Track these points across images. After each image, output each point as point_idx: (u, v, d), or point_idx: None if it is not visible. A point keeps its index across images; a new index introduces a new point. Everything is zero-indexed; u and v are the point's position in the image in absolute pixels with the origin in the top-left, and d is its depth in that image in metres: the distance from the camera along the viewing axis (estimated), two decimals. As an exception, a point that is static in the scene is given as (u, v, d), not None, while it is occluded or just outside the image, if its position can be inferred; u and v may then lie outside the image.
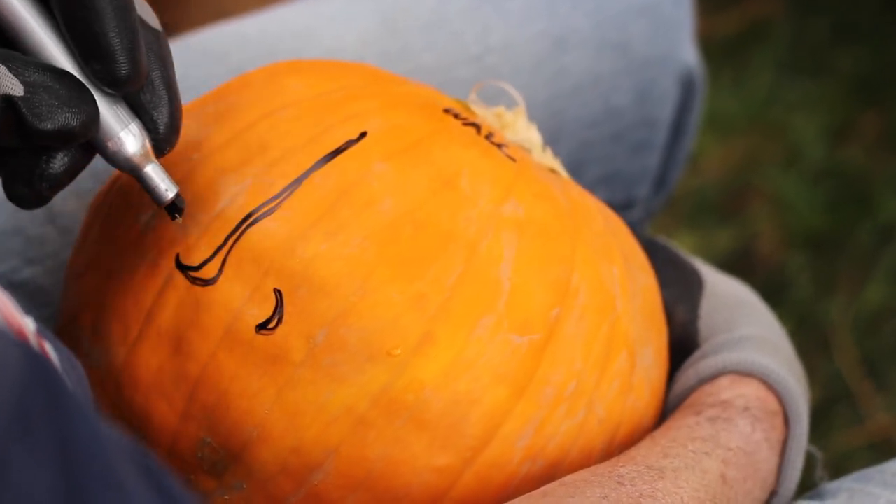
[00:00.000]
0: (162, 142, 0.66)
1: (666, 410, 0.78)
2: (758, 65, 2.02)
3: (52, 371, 0.45)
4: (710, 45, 2.02)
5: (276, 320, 0.68)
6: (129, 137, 0.65)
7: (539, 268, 0.71)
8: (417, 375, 0.67)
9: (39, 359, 0.45)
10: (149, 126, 0.65)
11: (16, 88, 0.61)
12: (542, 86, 1.01)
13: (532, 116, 0.88)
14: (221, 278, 0.69)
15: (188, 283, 0.69)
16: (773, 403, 0.75)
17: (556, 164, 0.79)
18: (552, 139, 1.00)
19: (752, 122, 1.95)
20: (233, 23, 1.01)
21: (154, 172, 0.66)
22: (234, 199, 0.70)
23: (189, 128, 0.74)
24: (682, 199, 1.86)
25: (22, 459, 0.42)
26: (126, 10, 0.63)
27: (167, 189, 0.67)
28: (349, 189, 0.69)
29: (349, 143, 0.71)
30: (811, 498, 0.76)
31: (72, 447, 0.44)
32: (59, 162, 0.63)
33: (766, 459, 0.73)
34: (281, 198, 0.69)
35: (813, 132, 1.92)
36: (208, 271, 0.69)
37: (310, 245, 0.68)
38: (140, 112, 0.65)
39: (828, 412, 1.61)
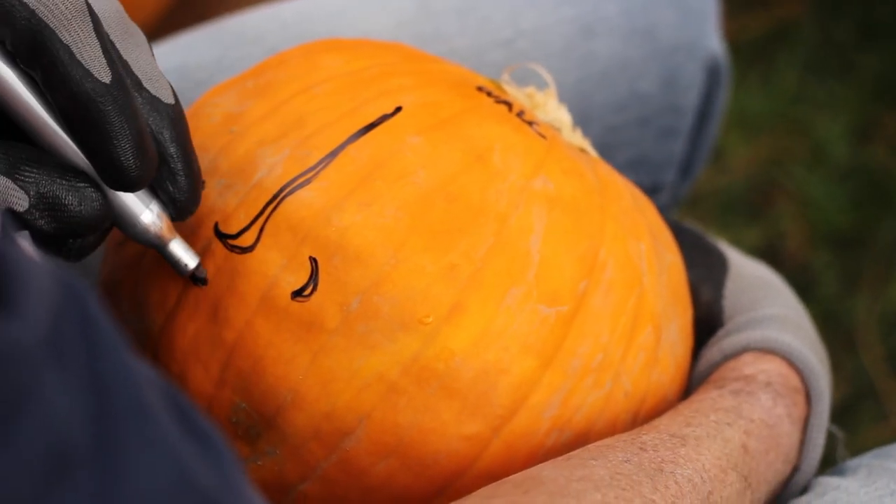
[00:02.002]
0: (181, 213, 0.68)
1: (690, 387, 0.79)
2: (784, 65, 2.02)
3: (87, 300, 0.46)
4: (738, 46, 2.03)
5: (311, 288, 0.69)
6: (149, 219, 0.67)
7: (568, 241, 0.72)
8: (448, 344, 0.69)
9: (74, 288, 0.46)
10: (168, 200, 0.67)
11: (21, 202, 0.62)
12: (571, 70, 1.02)
13: (561, 100, 0.90)
14: (259, 246, 0.70)
15: (226, 251, 0.71)
16: (795, 380, 0.76)
17: (586, 144, 0.81)
18: (580, 123, 1.01)
19: (778, 122, 1.96)
20: (269, 6, 1.02)
21: (176, 248, 0.69)
22: (271, 169, 0.71)
23: (229, 102, 0.76)
24: (710, 197, 1.87)
25: (54, 384, 0.43)
26: (131, 117, 0.63)
27: (188, 263, 0.70)
28: (383, 161, 0.71)
29: (384, 118, 0.73)
30: (832, 474, 0.77)
31: (102, 375, 0.45)
32: (82, 242, 0.65)
33: (788, 434, 0.75)
34: (317, 169, 0.71)
35: (838, 132, 1.92)
36: (246, 239, 0.71)
37: (345, 215, 0.70)
38: (159, 186, 0.67)
39: (853, 408, 1.62)
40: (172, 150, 0.66)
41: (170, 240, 0.68)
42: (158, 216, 0.67)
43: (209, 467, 0.48)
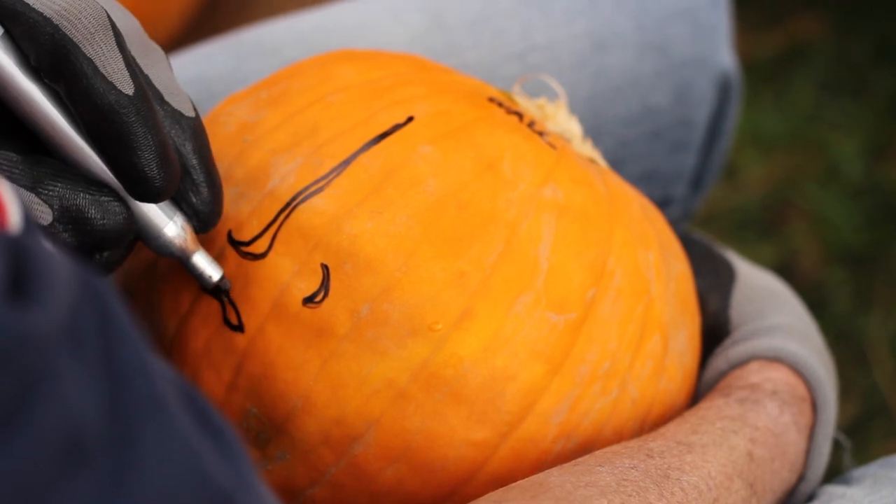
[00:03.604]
0: (205, 225, 0.69)
1: (697, 395, 0.80)
2: (799, 84, 2.03)
3: (106, 295, 0.46)
4: (753, 64, 2.04)
5: (322, 294, 0.70)
6: (173, 231, 0.68)
7: (577, 249, 0.73)
8: (456, 351, 0.69)
9: (94, 283, 0.46)
10: (191, 212, 0.68)
11: (45, 216, 0.63)
12: (583, 84, 1.03)
13: (573, 113, 0.91)
14: (271, 253, 0.71)
15: (239, 258, 0.71)
16: (801, 389, 0.77)
17: (596, 155, 0.82)
18: (592, 136, 1.02)
19: (792, 140, 1.96)
20: (287, 19, 1.03)
21: (199, 260, 0.70)
22: (284, 178, 0.72)
23: (243, 111, 0.76)
24: (725, 214, 1.88)
25: (71, 374, 0.43)
26: (154, 128, 0.64)
27: (211, 275, 0.70)
28: (395, 170, 0.72)
29: (396, 127, 0.73)
30: (837, 483, 0.78)
31: (119, 368, 0.45)
32: (108, 256, 0.66)
33: (794, 442, 0.75)
34: (329, 177, 0.72)
35: (852, 150, 1.93)
36: (259, 246, 0.71)
37: (356, 222, 0.70)
38: (182, 199, 0.68)
39: (865, 425, 1.62)
40: (195, 161, 0.67)
41: (193, 252, 0.69)
42: (182, 228, 0.68)
43: (223, 463, 0.49)
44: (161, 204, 0.67)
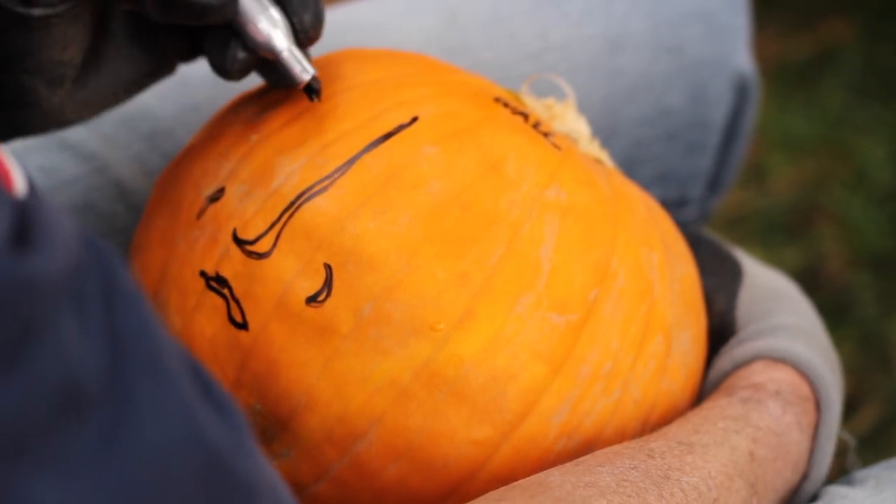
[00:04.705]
0: (306, 32, 0.72)
1: (702, 395, 0.80)
2: (828, 88, 2.02)
3: (112, 259, 0.48)
4: (783, 68, 2.03)
5: (325, 293, 0.70)
6: (268, 22, 0.71)
7: (579, 250, 0.73)
8: (458, 350, 0.70)
9: (100, 247, 0.47)
10: (294, 16, 0.71)
11: None
12: (598, 85, 1.03)
13: (587, 114, 0.90)
14: (275, 252, 0.71)
15: (243, 256, 0.72)
16: (805, 389, 0.77)
17: (603, 155, 0.82)
18: (607, 137, 1.02)
19: (821, 144, 1.96)
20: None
21: (291, 56, 0.72)
22: (289, 177, 0.73)
23: (251, 110, 0.77)
24: (752, 217, 1.87)
25: (71, 327, 0.44)
26: None
27: (303, 71, 0.72)
28: (399, 170, 0.72)
29: (401, 127, 0.74)
30: (841, 483, 0.77)
31: (121, 328, 0.46)
32: (237, 52, 0.71)
33: (797, 442, 0.75)
34: (333, 177, 0.72)
35: (880, 155, 1.92)
36: (263, 245, 0.72)
37: (359, 222, 0.71)
38: (285, 5, 0.71)
39: (889, 429, 1.61)
40: None
41: (286, 48, 0.71)
42: (276, 21, 0.71)
43: (224, 431, 0.49)
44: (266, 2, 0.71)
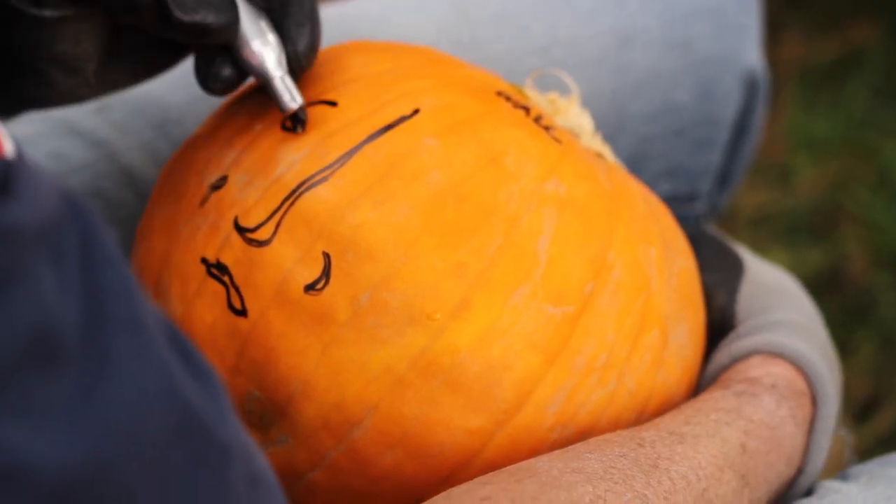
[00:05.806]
0: (299, 59, 0.73)
1: (700, 389, 0.80)
2: (853, 89, 2.02)
3: (91, 216, 0.48)
4: (809, 69, 2.03)
5: (323, 281, 0.71)
6: (264, 47, 0.72)
7: (576, 243, 0.73)
8: (454, 340, 0.70)
9: (80, 204, 0.48)
10: (288, 44, 0.72)
11: None
12: (606, 80, 1.03)
13: (595, 109, 0.91)
14: (275, 240, 0.72)
15: (244, 244, 0.73)
16: (801, 384, 0.77)
17: (605, 150, 0.82)
18: (615, 132, 1.02)
19: (845, 145, 1.95)
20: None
21: (282, 83, 0.73)
22: (291, 166, 0.73)
23: (255, 100, 0.78)
24: (775, 217, 1.87)
25: (48, 278, 0.45)
26: None
27: (291, 100, 0.73)
28: (399, 161, 0.73)
29: (402, 119, 0.74)
30: (836, 478, 0.78)
31: (98, 283, 0.47)
32: (223, 69, 0.72)
33: (791, 436, 0.75)
34: (334, 167, 0.73)
35: (904, 157, 1.92)
36: (263, 233, 0.73)
37: (359, 212, 0.72)
38: (282, 31, 0.72)
39: (910, 431, 1.61)
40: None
41: (278, 74, 0.73)
42: (272, 47, 0.72)
43: (202, 394, 0.50)
44: (261, 24, 0.72)
